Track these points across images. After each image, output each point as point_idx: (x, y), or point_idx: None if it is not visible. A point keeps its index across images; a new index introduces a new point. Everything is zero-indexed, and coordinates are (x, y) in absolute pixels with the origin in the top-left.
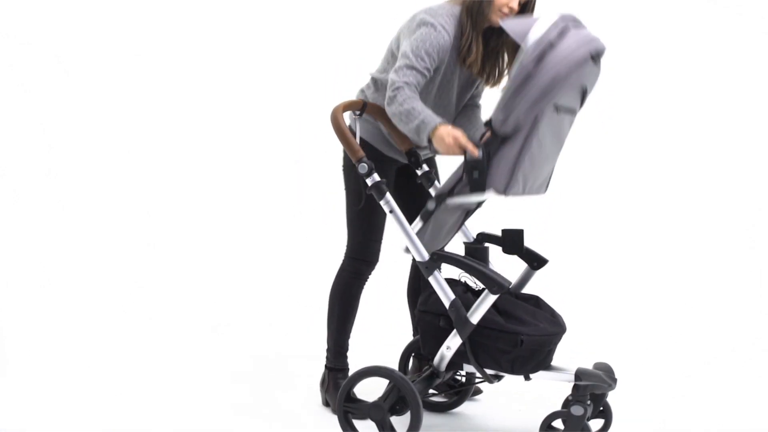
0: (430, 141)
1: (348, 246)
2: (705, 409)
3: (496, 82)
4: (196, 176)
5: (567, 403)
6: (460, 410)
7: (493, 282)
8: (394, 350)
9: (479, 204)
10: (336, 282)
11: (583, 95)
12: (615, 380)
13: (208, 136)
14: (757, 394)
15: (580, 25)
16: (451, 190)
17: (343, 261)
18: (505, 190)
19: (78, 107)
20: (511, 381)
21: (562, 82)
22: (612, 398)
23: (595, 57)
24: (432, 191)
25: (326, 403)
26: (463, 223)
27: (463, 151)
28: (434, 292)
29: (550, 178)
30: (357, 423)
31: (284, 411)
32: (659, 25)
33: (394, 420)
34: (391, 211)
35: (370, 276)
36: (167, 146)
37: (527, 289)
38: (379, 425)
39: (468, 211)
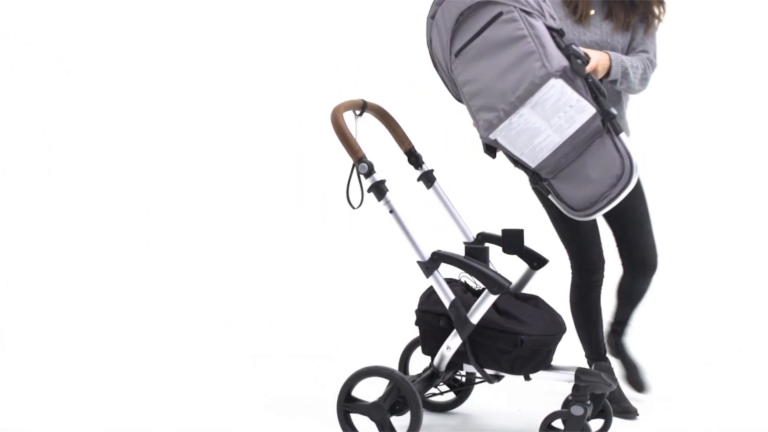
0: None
1: (569, 258)
2: (705, 409)
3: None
4: (196, 176)
5: (567, 403)
6: (460, 410)
7: (493, 282)
8: (394, 350)
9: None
10: (573, 297)
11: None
12: (615, 380)
13: (208, 136)
14: (757, 395)
15: None
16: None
17: (572, 275)
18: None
19: (78, 107)
20: (511, 381)
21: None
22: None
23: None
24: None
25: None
26: (617, 143)
27: None
28: (434, 292)
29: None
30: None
31: (284, 411)
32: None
33: (394, 420)
34: (391, 211)
35: (603, 279)
36: (167, 146)
37: (527, 289)
38: (379, 425)
39: (597, 132)
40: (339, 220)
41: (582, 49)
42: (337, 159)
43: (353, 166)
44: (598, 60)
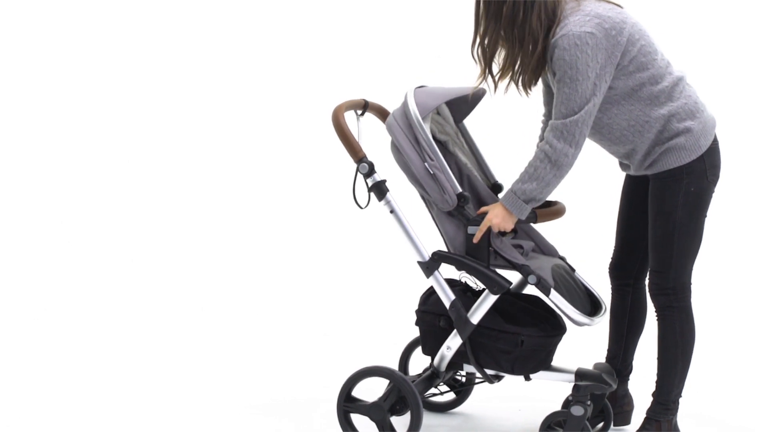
0: None
1: (675, 278)
2: (704, 409)
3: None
4: (195, 177)
5: (567, 404)
6: (460, 410)
7: (494, 282)
8: (394, 350)
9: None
10: (677, 327)
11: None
12: (615, 380)
13: (207, 138)
14: (757, 396)
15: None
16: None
17: (670, 299)
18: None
19: (77, 108)
20: (511, 381)
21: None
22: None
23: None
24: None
25: None
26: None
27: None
28: (434, 292)
29: None
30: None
31: (284, 411)
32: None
33: (395, 420)
34: (391, 211)
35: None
36: (167, 148)
37: (528, 290)
38: (379, 425)
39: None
40: (340, 220)
41: (483, 209)
42: (338, 158)
43: (356, 166)
44: (490, 221)
